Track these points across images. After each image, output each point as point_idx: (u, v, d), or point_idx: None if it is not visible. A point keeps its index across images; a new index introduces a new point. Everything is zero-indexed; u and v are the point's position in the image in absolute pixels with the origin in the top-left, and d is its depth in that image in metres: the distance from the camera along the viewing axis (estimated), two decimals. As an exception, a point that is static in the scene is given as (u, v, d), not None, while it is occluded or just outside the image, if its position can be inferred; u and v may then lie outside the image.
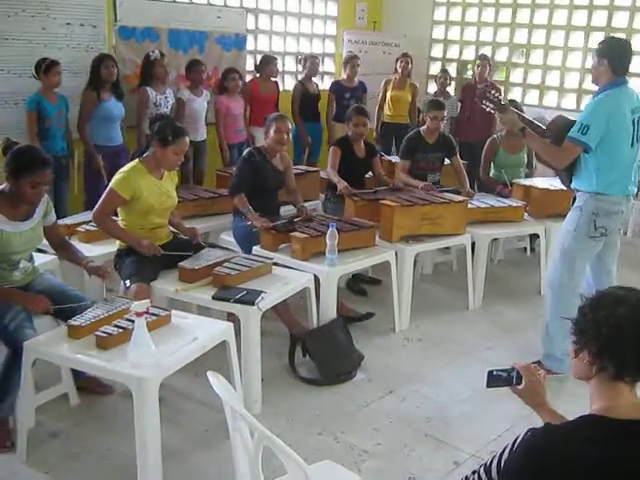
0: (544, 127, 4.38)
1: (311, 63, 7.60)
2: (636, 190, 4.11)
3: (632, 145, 3.93)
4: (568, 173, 4.10)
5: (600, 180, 3.90)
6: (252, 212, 4.58)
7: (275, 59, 7.38)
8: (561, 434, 1.68)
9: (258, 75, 7.31)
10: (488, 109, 4.35)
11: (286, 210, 5.08)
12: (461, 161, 6.06)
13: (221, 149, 6.79)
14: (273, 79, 7.42)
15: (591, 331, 1.74)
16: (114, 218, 4.03)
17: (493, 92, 4.31)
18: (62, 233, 3.91)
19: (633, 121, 3.90)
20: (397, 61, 7.93)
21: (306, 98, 7.56)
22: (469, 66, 9.03)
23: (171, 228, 4.26)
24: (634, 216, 7.27)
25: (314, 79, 7.78)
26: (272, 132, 4.77)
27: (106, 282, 4.25)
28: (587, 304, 1.78)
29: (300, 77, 7.90)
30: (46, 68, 5.58)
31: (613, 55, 3.86)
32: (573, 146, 3.87)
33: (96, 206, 3.95)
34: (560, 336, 4.08)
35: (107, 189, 3.91)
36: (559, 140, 3.98)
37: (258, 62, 7.42)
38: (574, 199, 4.13)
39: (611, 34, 7.74)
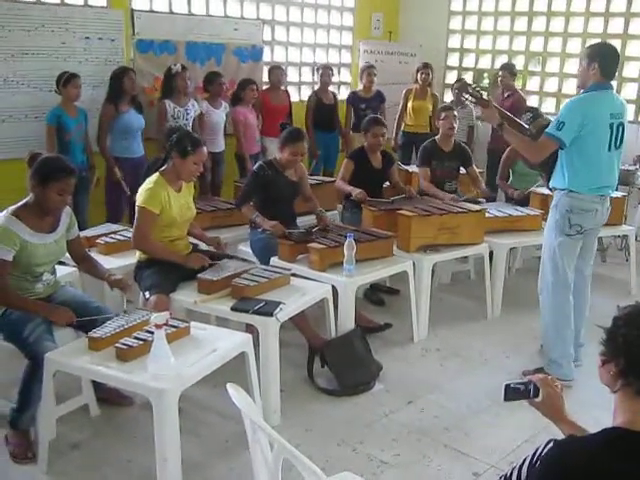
0: (527, 126, 4.52)
1: (322, 74, 7.65)
2: (612, 193, 4.19)
3: (609, 149, 3.99)
4: (548, 175, 4.23)
5: (573, 178, 3.99)
6: (261, 217, 4.65)
7: (280, 68, 7.43)
8: (584, 447, 1.66)
9: (268, 85, 7.33)
10: (467, 102, 4.41)
11: (305, 221, 5.11)
12: (477, 170, 6.08)
13: (243, 159, 6.78)
14: (283, 88, 7.47)
15: (621, 347, 1.70)
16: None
17: (474, 86, 4.36)
18: (84, 247, 3.95)
19: (612, 125, 3.97)
20: (418, 72, 7.93)
21: (320, 108, 7.61)
22: (485, 74, 9.03)
23: (191, 240, 4.30)
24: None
25: (331, 89, 7.82)
26: (287, 153, 4.77)
27: (127, 294, 4.31)
28: (622, 316, 1.74)
29: (316, 87, 7.93)
30: (65, 81, 5.65)
31: (604, 59, 3.95)
32: (548, 141, 3.97)
33: (133, 231, 3.98)
34: (559, 340, 4.18)
35: (137, 210, 3.93)
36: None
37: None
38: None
39: (628, 41, 7.75)
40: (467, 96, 4.41)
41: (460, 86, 4.90)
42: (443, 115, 5.82)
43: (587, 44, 7.99)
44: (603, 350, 1.77)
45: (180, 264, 3.95)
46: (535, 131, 4.30)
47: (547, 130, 3.98)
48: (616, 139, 4.01)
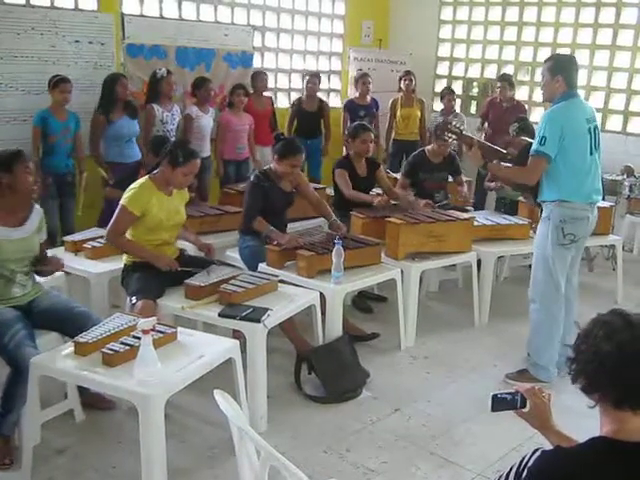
0: (505, 152, 4.68)
1: (307, 82, 7.69)
2: (601, 198, 4.30)
3: (591, 153, 4.09)
4: (533, 191, 4.32)
5: (562, 188, 4.06)
6: (276, 231, 4.59)
7: (263, 74, 7.44)
8: (571, 457, 1.67)
9: (252, 91, 7.34)
10: (451, 140, 4.49)
11: (313, 224, 5.19)
12: (465, 178, 6.13)
13: (217, 164, 6.84)
14: (266, 94, 7.48)
15: (580, 365, 1.73)
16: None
17: (454, 123, 4.44)
18: (45, 252, 3.75)
19: (589, 130, 4.08)
20: (400, 80, 7.98)
21: (303, 115, 7.65)
22: (475, 83, 9.07)
23: (179, 244, 4.29)
24: (640, 234, 7.31)
25: (321, 96, 7.85)
26: (284, 165, 4.74)
27: (111, 298, 4.30)
28: (581, 332, 1.76)
29: (303, 94, 7.94)
30: (54, 84, 5.64)
31: (567, 70, 4.08)
32: (536, 160, 4.05)
33: (109, 225, 3.97)
34: (548, 347, 4.26)
35: (118, 207, 3.94)
36: (523, 159, 4.23)
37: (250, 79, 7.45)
38: (541, 211, 4.31)
39: (616, 52, 7.81)
40: (449, 134, 4.51)
41: (441, 127, 5.01)
42: (442, 141, 5.72)
43: (576, 54, 8.10)
44: (569, 369, 1.78)
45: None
46: (517, 152, 4.40)
47: (532, 150, 4.05)
48: (595, 142, 4.12)
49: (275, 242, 4.53)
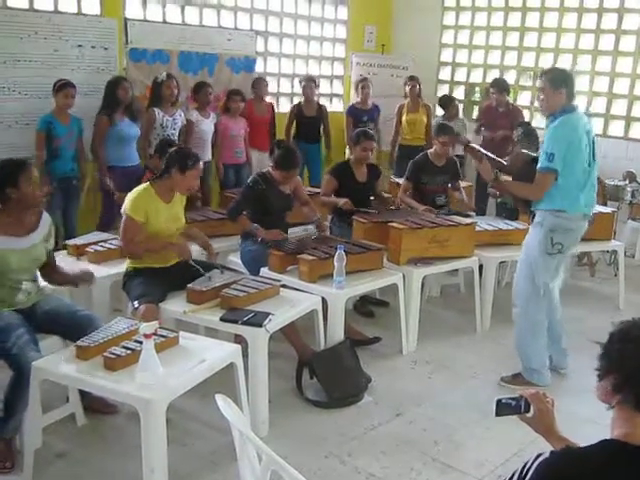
0: (505, 162, 4.72)
1: (304, 86, 7.71)
2: (593, 210, 4.30)
3: (589, 165, 4.12)
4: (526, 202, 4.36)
5: (560, 199, 4.07)
6: (260, 228, 4.68)
7: (264, 80, 7.47)
8: (582, 457, 1.66)
9: (252, 97, 7.36)
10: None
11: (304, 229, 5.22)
12: (464, 183, 6.16)
13: (217, 168, 6.87)
14: (267, 100, 7.50)
15: (616, 361, 1.71)
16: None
17: (462, 135, 4.53)
18: (54, 260, 3.79)
19: (588, 142, 4.10)
20: (405, 85, 7.98)
21: (302, 120, 7.68)
22: (477, 89, 9.08)
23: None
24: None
25: (321, 101, 7.87)
26: (279, 175, 4.82)
27: (113, 302, 4.30)
28: (617, 331, 1.75)
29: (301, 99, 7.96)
30: (58, 88, 5.65)
31: (568, 84, 4.08)
32: (545, 176, 4.04)
33: (120, 239, 4.04)
34: (536, 349, 4.29)
35: (123, 217, 3.97)
36: (523, 174, 4.26)
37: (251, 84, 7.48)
38: (533, 216, 4.29)
39: (618, 58, 7.82)
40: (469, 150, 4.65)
41: (463, 141, 5.17)
42: (442, 140, 5.79)
43: (578, 60, 8.13)
44: (599, 364, 1.77)
45: (170, 252, 4.05)
46: (520, 165, 4.43)
47: (541, 166, 4.03)
48: (592, 153, 4.14)
49: (260, 238, 4.65)
